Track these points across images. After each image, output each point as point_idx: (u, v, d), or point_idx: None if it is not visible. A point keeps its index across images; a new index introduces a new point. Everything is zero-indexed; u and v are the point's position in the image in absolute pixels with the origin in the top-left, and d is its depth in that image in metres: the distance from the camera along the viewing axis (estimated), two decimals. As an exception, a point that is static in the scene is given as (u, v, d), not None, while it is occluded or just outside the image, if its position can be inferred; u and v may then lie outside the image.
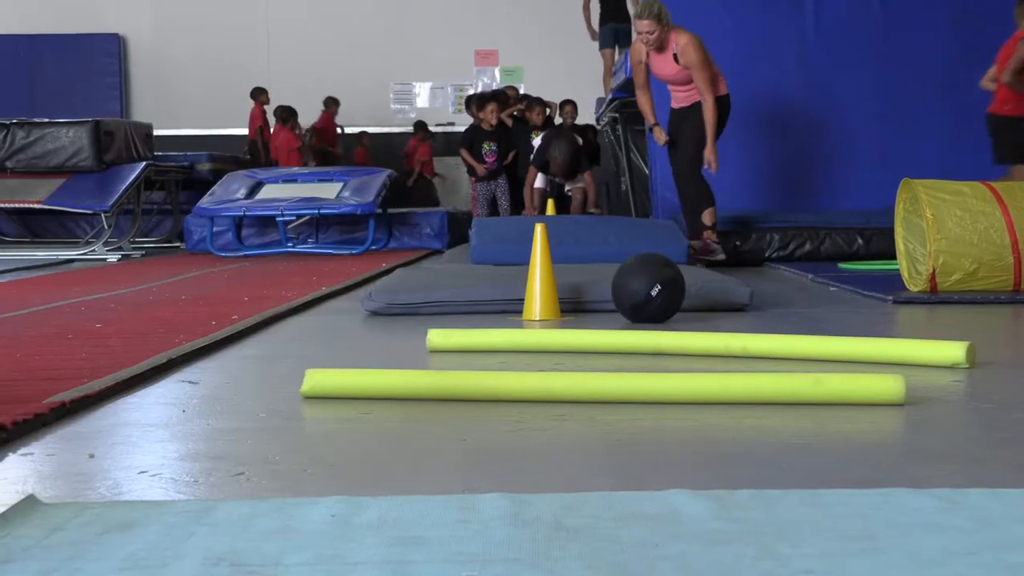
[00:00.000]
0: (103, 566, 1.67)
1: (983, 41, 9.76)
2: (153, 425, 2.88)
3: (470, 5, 17.41)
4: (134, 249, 11.14)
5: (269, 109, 15.54)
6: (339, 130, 16.49)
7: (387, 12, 17.39)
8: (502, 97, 12.72)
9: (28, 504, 1.98)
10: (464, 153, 11.94)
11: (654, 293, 4.76)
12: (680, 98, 8.22)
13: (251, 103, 15.77)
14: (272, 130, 15.15)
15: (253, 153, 15.13)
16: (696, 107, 8.06)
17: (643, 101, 8.41)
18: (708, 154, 7.97)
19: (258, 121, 15.39)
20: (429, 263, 8.71)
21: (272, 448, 2.58)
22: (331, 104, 16.38)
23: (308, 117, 15.79)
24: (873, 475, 2.27)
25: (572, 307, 5.27)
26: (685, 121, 8.13)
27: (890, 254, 6.82)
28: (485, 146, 11.71)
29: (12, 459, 2.49)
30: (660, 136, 8.33)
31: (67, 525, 1.88)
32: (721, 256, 8.09)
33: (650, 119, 8.41)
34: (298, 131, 15.02)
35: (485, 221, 8.73)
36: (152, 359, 3.73)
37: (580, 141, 13.22)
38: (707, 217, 8.16)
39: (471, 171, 11.97)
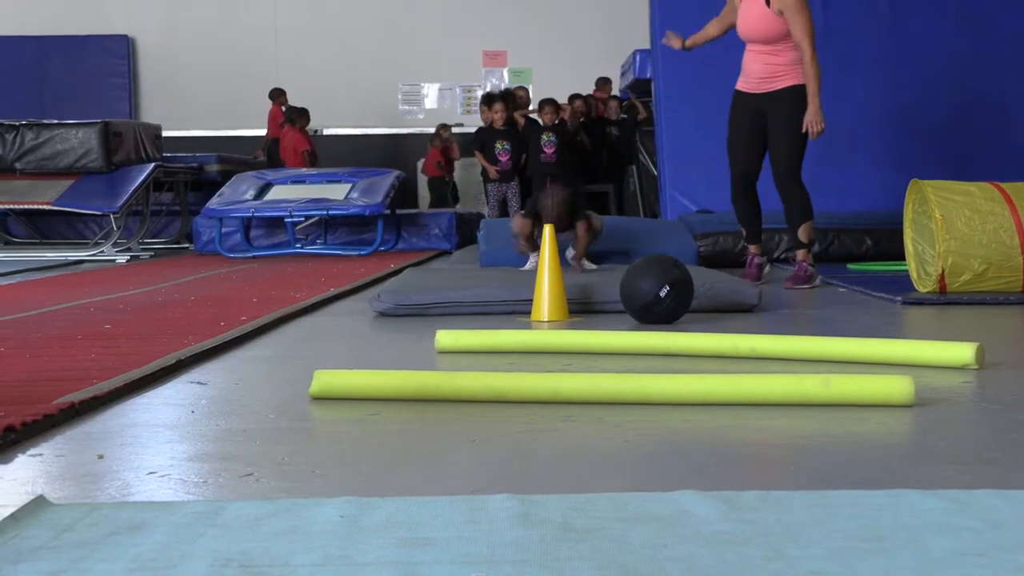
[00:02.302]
0: (112, 567, 1.68)
1: (991, 42, 9.76)
2: (162, 426, 2.88)
3: (478, 6, 17.42)
4: (143, 250, 11.16)
5: None
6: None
7: (395, 13, 17.40)
8: (512, 97, 12.71)
9: (37, 505, 1.99)
10: (478, 156, 11.95)
11: (663, 294, 4.76)
12: (756, 73, 6.64)
13: (261, 104, 15.80)
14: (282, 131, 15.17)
15: (271, 154, 15.15)
16: (790, 93, 6.55)
17: (706, 29, 7.00)
18: (811, 117, 6.44)
19: (279, 120, 15.43)
20: (438, 264, 8.72)
21: (281, 449, 2.58)
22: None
23: (317, 119, 15.80)
24: (882, 476, 2.26)
25: (581, 308, 5.27)
26: (777, 112, 6.57)
27: (899, 255, 6.82)
28: (498, 145, 11.71)
29: (21, 460, 2.49)
30: (674, 43, 7.03)
31: (76, 526, 1.88)
32: (818, 282, 6.63)
33: (692, 38, 7.02)
34: (306, 133, 15.02)
35: (494, 222, 8.74)
36: (161, 360, 3.73)
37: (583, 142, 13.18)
38: (804, 233, 6.63)
39: (484, 172, 11.98)
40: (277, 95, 15.70)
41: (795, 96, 6.50)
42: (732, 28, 6.77)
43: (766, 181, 6.71)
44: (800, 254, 6.62)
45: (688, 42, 6.97)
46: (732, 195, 6.82)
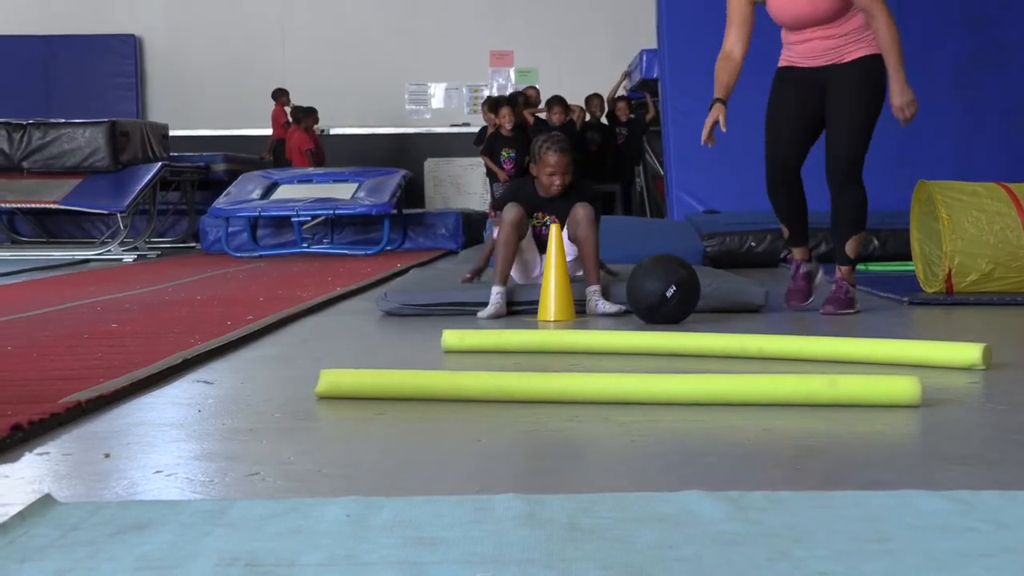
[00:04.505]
0: (118, 566, 1.68)
1: (996, 41, 9.75)
2: (168, 425, 2.89)
3: (485, 6, 17.41)
4: (149, 249, 11.17)
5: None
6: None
7: (402, 13, 17.39)
8: (520, 100, 12.69)
9: (44, 503, 1.99)
10: (486, 159, 11.95)
11: (669, 294, 4.76)
12: (818, 49, 5.20)
13: (267, 103, 15.80)
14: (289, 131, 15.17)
15: (276, 154, 15.15)
16: (860, 65, 5.16)
17: (725, 67, 5.34)
18: (900, 98, 5.08)
19: (281, 119, 15.44)
20: (444, 264, 8.71)
21: (287, 448, 2.58)
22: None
23: (323, 118, 15.82)
24: (888, 477, 2.26)
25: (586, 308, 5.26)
26: (842, 87, 5.15)
27: (906, 255, 6.81)
28: (503, 153, 11.70)
29: (28, 458, 2.50)
30: (717, 120, 5.24)
31: (83, 524, 1.88)
32: (858, 307, 5.33)
33: (718, 91, 5.30)
34: (312, 132, 15.02)
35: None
36: (167, 359, 3.74)
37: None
38: (852, 247, 5.28)
39: (490, 174, 11.97)
40: (279, 95, 15.71)
41: (867, 69, 5.15)
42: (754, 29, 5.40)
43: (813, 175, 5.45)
44: (843, 272, 5.30)
45: (722, 95, 5.34)
46: (768, 186, 5.40)
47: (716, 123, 5.23)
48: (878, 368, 3.55)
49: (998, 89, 9.73)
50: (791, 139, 5.30)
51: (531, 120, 12.40)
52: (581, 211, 5.32)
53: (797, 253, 5.46)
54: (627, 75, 14.20)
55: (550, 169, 5.38)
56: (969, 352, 3.55)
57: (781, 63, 5.39)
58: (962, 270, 5.65)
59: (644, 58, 12.95)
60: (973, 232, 5.64)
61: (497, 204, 5.70)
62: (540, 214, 5.49)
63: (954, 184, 5.94)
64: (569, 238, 5.37)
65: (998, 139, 9.61)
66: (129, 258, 10.35)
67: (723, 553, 1.71)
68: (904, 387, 2.94)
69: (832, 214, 5.30)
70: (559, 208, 5.45)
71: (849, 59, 5.15)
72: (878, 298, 5.90)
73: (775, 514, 1.90)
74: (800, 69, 5.26)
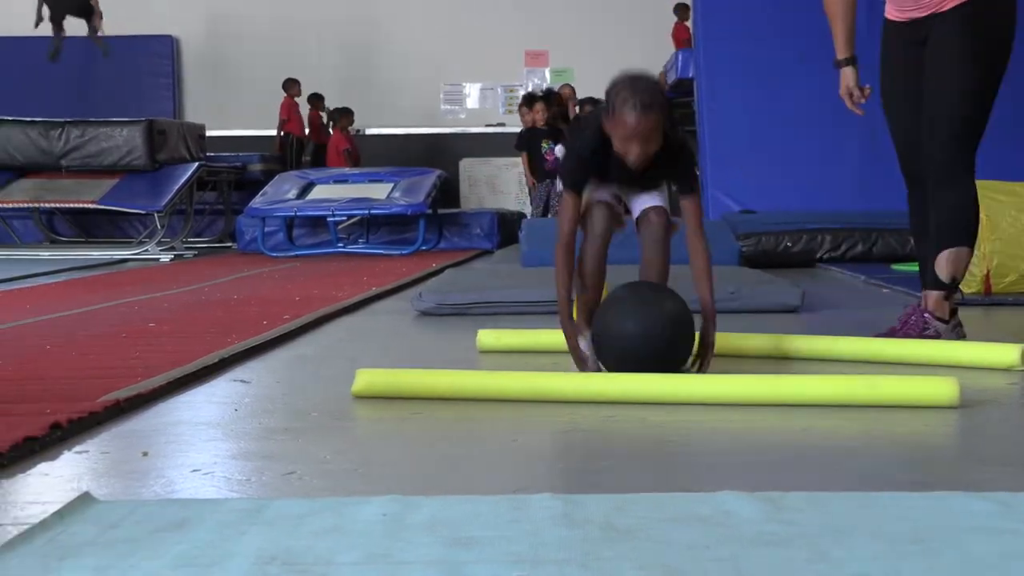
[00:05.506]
0: (156, 564, 1.69)
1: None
2: (206, 424, 2.90)
3: (520, 6, 17.42)
4: (186, 249, 11.22)
5: (301, 101, 15.73)
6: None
7: (438, 14, 17.42)
8: (556, 98, 12.71)
9: (83, 501, 2.00)
10: (523, 159, 11.99)
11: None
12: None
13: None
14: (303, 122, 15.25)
15: (315, 156, 15.17)
16: (962, 13, 3.92)
17: (834, 8, 4.15)
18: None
19: (284, 114, 15.52)
20: (479, 264, 8.72)
21: (323, 447, 2.59)
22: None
23: (359, 119, 15.87)
24: (927, 478, 2.25)
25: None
26: (939, 44, 3.97)
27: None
28: (544, 144, 11.72)
29: (67, 457, 2.51)
30: (849, 82, 4.16)
31: (121, 523, 1.89)
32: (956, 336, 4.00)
33: (839, 48, 4.16)
34: (348, 132, 15.05)
35: (535, 222, 8.73)
36: (204, 358, 3.75)
37: None
38: (946, 265, 3.97)
39: (534, 173, 11.98)
40: (290, 85, 15.80)
41: (975, 15, 3.94)
42: None
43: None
44: (931, 300, 4.01)
45: (845, 53, 4.15)
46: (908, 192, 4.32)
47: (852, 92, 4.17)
48: (915, 369, 3.53)
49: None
50: (907, 131, 4.14)
51: (575, 110, 12.45)
52: (656, 219, 3.68)
53: (928, 300, 4.03)
54: (664, 75, 14.18)
55: (624, 132, 3.34)
56: (1007, 353, 3.53)
57: (887, 13, 4.18)
58: (1000, 271, 5.61)
59: (680, 58, 12.92)
60: (1012, 232, 5.60)
61: (564, 172, 3.64)
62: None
63: (993, 184, 5.89)
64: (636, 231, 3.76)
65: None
66: (166, 258, 10.40)
67: (761, 554, 1.70)
68: (942, 388, 2.93)
69: (931, 215, 4.08)
70: (641, 185, 3.67)
71: (949, 6, 3.95)
72: (914, 298, 5.86)
73: (813, 515, 1.90)
74: (900, 26, 4.09)
